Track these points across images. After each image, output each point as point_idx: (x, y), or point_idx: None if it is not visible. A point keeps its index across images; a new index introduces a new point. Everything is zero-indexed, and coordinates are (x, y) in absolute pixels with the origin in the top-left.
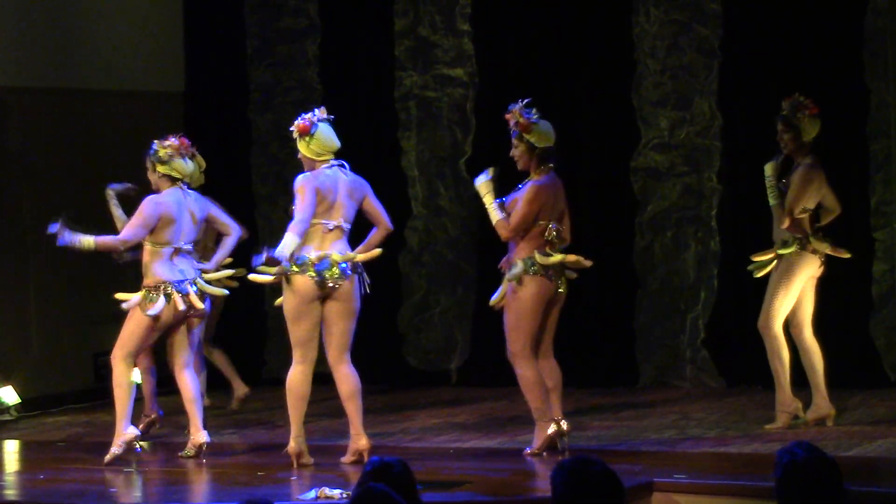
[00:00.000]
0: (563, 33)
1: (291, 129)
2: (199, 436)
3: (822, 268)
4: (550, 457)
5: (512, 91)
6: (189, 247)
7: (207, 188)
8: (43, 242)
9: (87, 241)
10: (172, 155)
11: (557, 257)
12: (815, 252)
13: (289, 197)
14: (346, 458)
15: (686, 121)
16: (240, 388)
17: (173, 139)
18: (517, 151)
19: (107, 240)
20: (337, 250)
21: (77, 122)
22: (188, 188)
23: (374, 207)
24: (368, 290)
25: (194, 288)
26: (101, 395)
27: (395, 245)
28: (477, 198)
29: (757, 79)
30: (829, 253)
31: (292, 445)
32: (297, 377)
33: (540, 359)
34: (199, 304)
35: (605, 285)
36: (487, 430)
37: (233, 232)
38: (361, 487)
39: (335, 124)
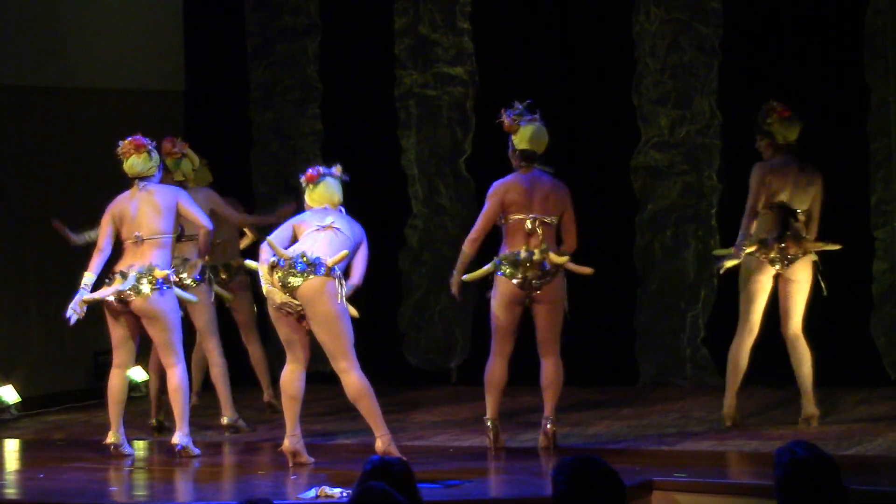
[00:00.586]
0: (563, 32)
1: (301, 176)
2: (174, 437)
3: (790, 270)
4: (551, 455)
5: (512, 89)
6: (160, 238)
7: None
8: (43, 241)
9: (86, 279)
10: (122, 155)
11: (537, 256)
12: (769, 260)
13: (289, 195)
14: None
15: (686, 119)
16: (264, 394)
17: (131, 139)
18: (509, 151)
19: (93, 263)
20: (317, 255)
21: (78, 120)
22: (154, 182)
23: (358, 256)
24: (342, 299)
25: (127, 279)
26: (100, 393)
27: (395, 244)
28: (477, 195)
29: (757, 77)
30: (791, 256)
31: (286, 444)
32: (287, 376)
33: (541, 358)
34: (109, 297)
35: (605, 284)
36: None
37: (200, 229)
38: (361, 486)
39: (335, 123)
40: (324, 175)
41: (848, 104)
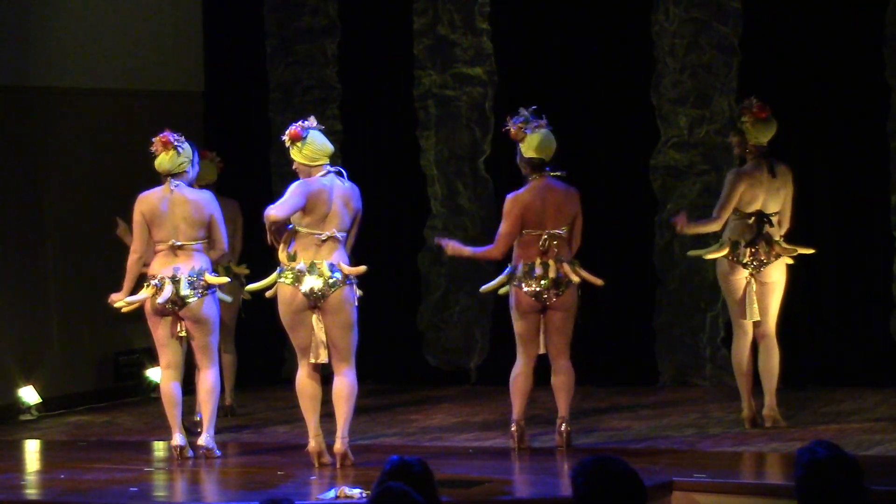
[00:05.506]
0: (582, 32)
1: (283, 137)
2: (200, 438)
3: (763, 273)
4: (571, 456)
5: (531, 90)
6: (198, 243)
7: (227, 188)
8: (63, 241)
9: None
10: (154, 152)
11: (552, 271)
12: (742, 264)
13: None
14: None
15: (705, 119)
16: (226, 398)
17: (160, 136)
18: (517, 158)
19: (130, 265)
20: (329, 260)
21: (98, 122)
22: (186, 181)
23: (356, 223)
24: (357, 303)
25: (181, 284)
26: (121, 394)
27: (414, 244)
28: (496, 196)
29: (777, 76)
30: (763, 261)
31: (312, 445)
32: (302, 378)
33: (551, 361)
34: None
35: (625, 284)
36: (507, 429)
37: (217, 249)
38: (381, 486)
39: (355, 124)
40: (308, 128)
41: (868, 103)
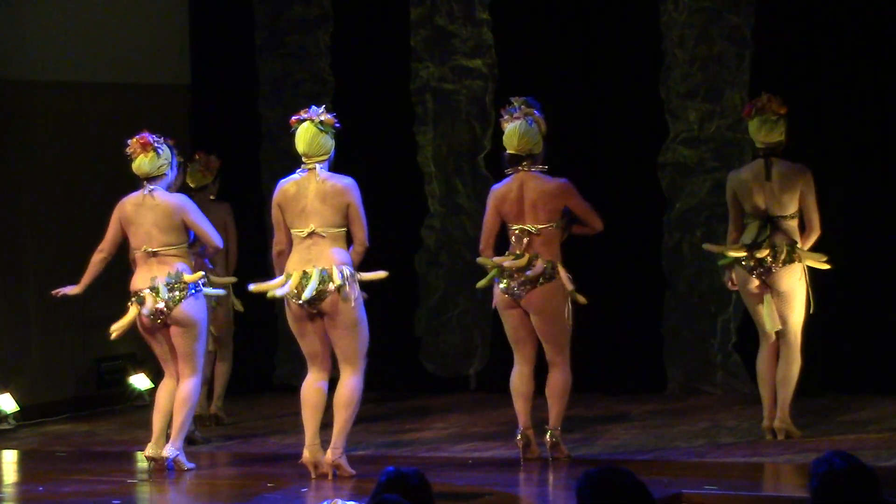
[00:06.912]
0: (587, 22)
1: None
2: (165, 448)
3: (773, 279)
4: (576, 467)
5: (533, 83)
6: (173, 248)
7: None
8: (43, 242)
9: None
10: (130, 155)
11: (522, 261)
12: (748, 269)
13: None
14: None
15: (716, 113)
16: (213, 405)
17: (137, 137)
18: None
19: (93, 262)
20: (321, 267)
21: (81, 116)
22: (164, 184)
23: (352, 219)
24: (352, 303)
25: (160, 292)
26: (103, 402)
27: (411, 245)
28: None
29: (790, 69)
30: (769, 266)
31: (305, 455)
32: (306, 385)
33: (549, 368)
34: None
35: (632, 287)
36: (507, 438)
37: (211, 245)
38: (376, 499)
39: (348, 119)
40: (302, 119)
41: (885, 96)
